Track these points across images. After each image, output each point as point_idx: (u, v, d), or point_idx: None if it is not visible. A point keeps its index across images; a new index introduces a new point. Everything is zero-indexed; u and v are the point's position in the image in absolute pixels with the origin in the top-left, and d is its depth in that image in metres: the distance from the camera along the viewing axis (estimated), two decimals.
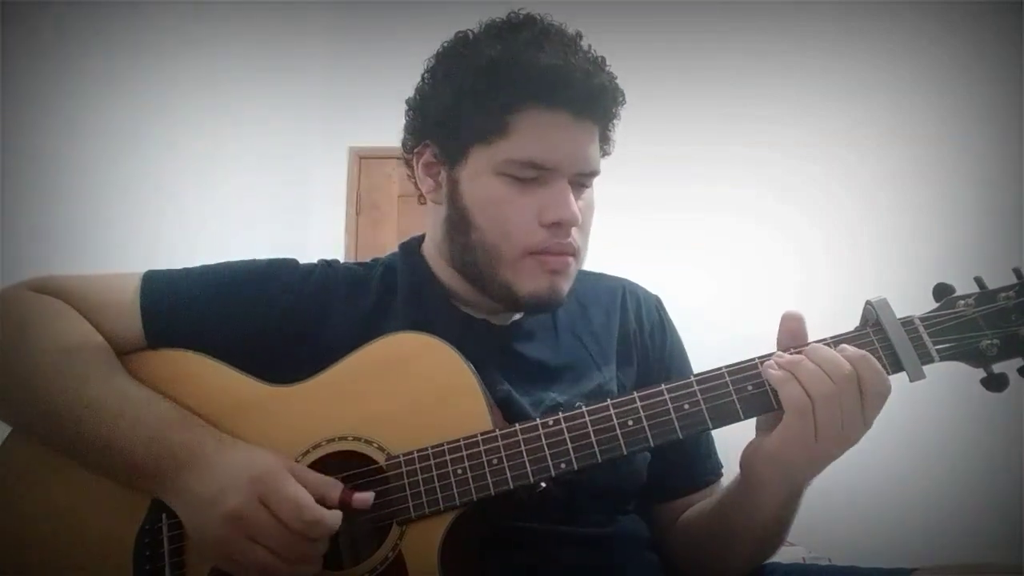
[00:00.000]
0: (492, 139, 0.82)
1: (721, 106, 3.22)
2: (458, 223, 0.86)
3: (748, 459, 0.76)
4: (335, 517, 0.70)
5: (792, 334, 0.75)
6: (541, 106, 0.81)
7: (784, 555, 0.97)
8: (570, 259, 0.85)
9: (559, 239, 0.83)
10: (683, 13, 3.28)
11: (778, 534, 0.82)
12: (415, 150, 0.91)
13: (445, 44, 0.89)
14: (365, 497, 0.73)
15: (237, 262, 0.92)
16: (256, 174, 3.13)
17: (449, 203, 0.88)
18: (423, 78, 0.90)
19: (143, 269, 0.90)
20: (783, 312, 0.76)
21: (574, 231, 0.84)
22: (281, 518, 0.69)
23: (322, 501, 0.71)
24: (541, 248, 0.83)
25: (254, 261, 0.92)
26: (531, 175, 0.82)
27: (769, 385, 0.72)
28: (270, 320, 0.87)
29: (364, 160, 3.48)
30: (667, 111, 3.23)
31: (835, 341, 0.74)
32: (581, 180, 0.86)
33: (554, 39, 0.83)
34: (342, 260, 0.98)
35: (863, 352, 0.70)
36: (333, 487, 0.73)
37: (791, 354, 0.72)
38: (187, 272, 0.90)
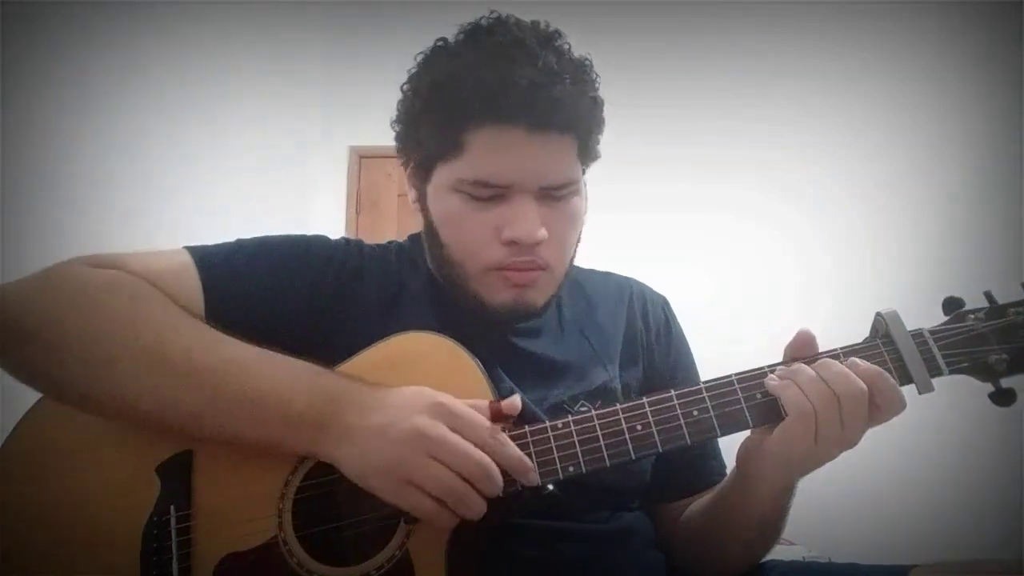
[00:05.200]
0: (449, 157, 0.82)
1: (721, 106, 3.23)
2: (431, 236, 0.88)
3: (746, 455, 0.77)
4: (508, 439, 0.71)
5: (800, 350, 0.76)
6: (491, 123, 0.79)
7: (784, 554, 0.97)
8: (536, 274, 0.84)
9: (521, 256, 0.82)
10: (683, 14, 3.28)
11: (774, 524, 0.83)
12: (402, 161, 0.92)
13: (417, 58, 0.88)
14: (513, 401, 0.74)
15: (276, 237, 0.92)
16: (256, 174, 3.13)
17: (423, 216, 0.89)
18: (401, 89, 0.89)
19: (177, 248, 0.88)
20: (799, 329, 0.76)
21: (543, 245, 0.82)
22: (472, 439, 0.69)
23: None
24: (503, 265, 0.83)
25: (293, 237, 0.92)
26: (485, 194, 0.81)
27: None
28: (316, 296, 0.87)
29: (364, 160, 3.49)
30: (667, 111, 3.24)
31: (844, 352, 0.74)
32: (551, 193, 0.83)
33: (501, 52, 0.80)
34: None
35: (879, 369, 0.71)
36: (484, 407, 0.73)
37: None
38: (232, 247, 0.89)
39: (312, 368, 0.76)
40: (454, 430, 0.69)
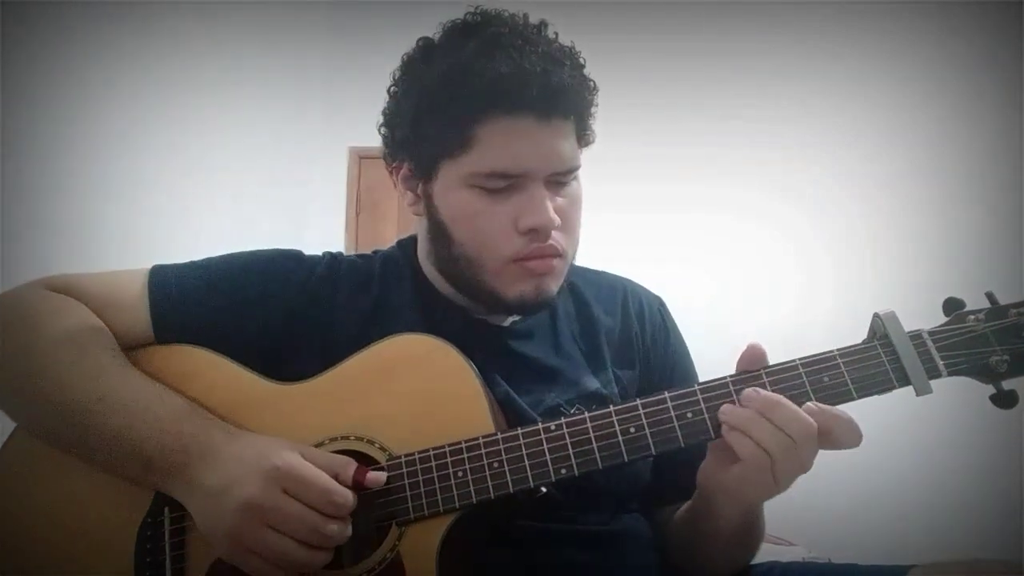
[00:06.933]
0: (457, 153, 0.82)
1: (722, 106, 3.22)
2: (439, 236, 0.87)
3: (706, 486, 0.77)
4: (353, 497, 0.71)
5: (750, 365, 0.75)
6: (502, 114, 0.80)
7: (784, 554, 0.97)
8: (554, 261, 0.84)
9: (539, 243, 0.83)
10: (684, 13, 3.28)
11: (750, 533, 0.84)
12: (393, 165, 0.92)
13: (404, 57, 0.88)
14: (378, 476, 0.73)
15: (242, 255, 0.92)
16: (256, 174, 3.13)
17: (428, 216, 0.88)
18: (389, 92, 0.89)
19: (145, 268, 0.90)
20: (749, 343, 0.75)
21: (556, 232, 0.83)
22: (309, 503, 0.69)
23: (336, 480, 0.72)
24: (522, 255, 0.83)
25: (259, 254, 0.92)
26: (500, 184, 0.82)
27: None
28: (275, 315, 0.87)
29: (364, 160, 3.49)
30: (668, 111, 3.24)
31: (840, 354, 0.73)
32: (558, 179, 0.84)
33: (506, 42, 0.80)
34: None
35: (835, 412, 0.70)
36: (346, 466, 0.73)
37: (746, 390, 0.72)
38: (193, 265, 0.90)
39: (181, 411, 0.77)
40: (292, 494, 0.69)
